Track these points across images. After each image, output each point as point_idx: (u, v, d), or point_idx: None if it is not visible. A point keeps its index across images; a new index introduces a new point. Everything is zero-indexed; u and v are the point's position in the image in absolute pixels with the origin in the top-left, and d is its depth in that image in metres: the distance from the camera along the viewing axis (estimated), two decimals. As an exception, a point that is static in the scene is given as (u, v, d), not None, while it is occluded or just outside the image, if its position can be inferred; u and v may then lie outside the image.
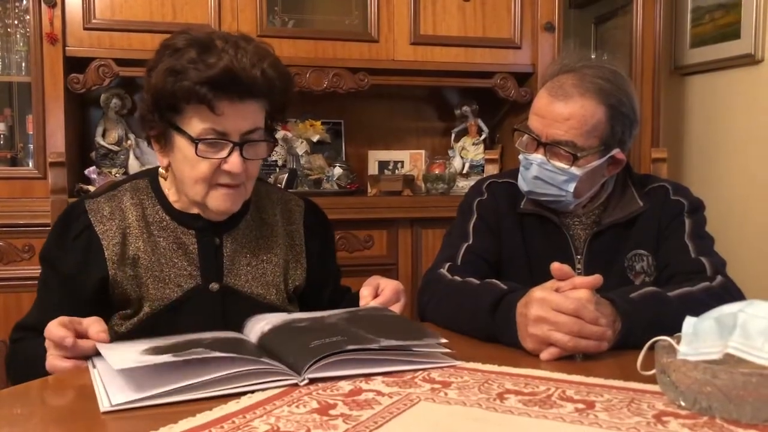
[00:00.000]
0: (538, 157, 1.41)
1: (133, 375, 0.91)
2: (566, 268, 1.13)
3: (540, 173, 1.41)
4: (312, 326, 1.09)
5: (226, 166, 1.23)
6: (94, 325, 1.10)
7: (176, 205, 1.33)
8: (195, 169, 1.24)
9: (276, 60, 1.28)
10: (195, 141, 1.21)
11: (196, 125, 1.22)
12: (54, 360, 1.08)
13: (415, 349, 1.03)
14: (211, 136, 1.22)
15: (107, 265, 1.26)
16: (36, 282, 1.33)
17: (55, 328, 1.07)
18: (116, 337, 1.24)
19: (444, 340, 1.07)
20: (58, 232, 1.31)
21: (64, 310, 1.15)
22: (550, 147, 1.39)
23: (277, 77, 1.25)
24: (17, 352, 1.28)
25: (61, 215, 1.34)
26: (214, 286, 1.31)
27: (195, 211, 1.32)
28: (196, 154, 1.22)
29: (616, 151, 1.41)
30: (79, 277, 1.27)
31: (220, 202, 1.27)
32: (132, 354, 0.95)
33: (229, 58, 1.19)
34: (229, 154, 1.23)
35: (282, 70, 1.28)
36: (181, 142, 1.24)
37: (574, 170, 1.38)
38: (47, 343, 1.10)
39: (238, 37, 1.26)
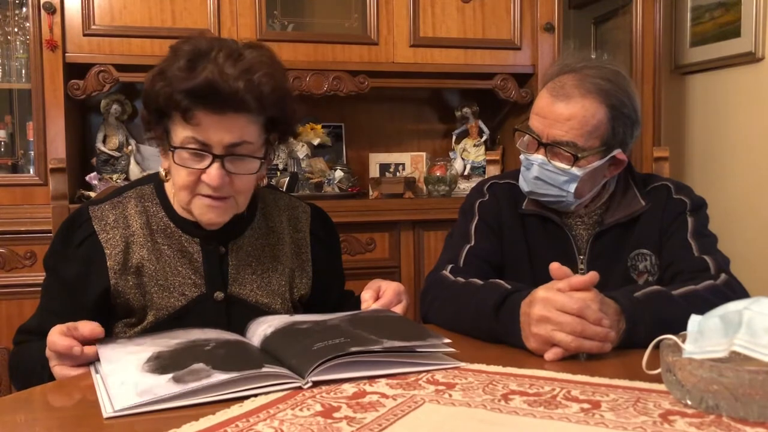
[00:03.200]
0: (538, 157, 1.40)
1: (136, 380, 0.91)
2: (565, 268, 1.13)
3: (541, 173, 1.40)
4: (314, 328, 1.08)
5: (204, 178, 1.20)
6: (89, 328, 1.10)
7: (180, 212, 1.31)
8: (178, 175, 1.22)
9: (272, 72, 1.22)
10: (171, 149, 1.21)
11: (179, 133, 1.20)
12: (62, 370, 1.08)
13: (418, 350, 1.03)
14: (192, 146, 1.19)
15: (109, 274, 1.25)
16: (38, 288, 1.32)
17: (59, 339, 1.07)
18: None
19: (448, 341, 1.06)
20: (62, 239, 1.30)
21: (65, 316, 1.15)
22: (550, 147, 1.39)
23: (269, 90, 1.20)
24: (20, 355, 1.28)
25: (65, 221, 1.32)
26: (219, 295, 1.30)
27: None
28: (174, 162, 1.21)
29: (617, 152, 1.41)
30: (81, 286, 1.26)
31: (203, 212, 1.24)
32: (132, 373, 0.94)
33: (213, 68, 1.16)
34: (209, 165, 1.20)
35: (278, 83, 1.22)
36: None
37: (575, 171, 1.38)
38: (49, 354, 1.10)
39: (244, 45, 1.23)
